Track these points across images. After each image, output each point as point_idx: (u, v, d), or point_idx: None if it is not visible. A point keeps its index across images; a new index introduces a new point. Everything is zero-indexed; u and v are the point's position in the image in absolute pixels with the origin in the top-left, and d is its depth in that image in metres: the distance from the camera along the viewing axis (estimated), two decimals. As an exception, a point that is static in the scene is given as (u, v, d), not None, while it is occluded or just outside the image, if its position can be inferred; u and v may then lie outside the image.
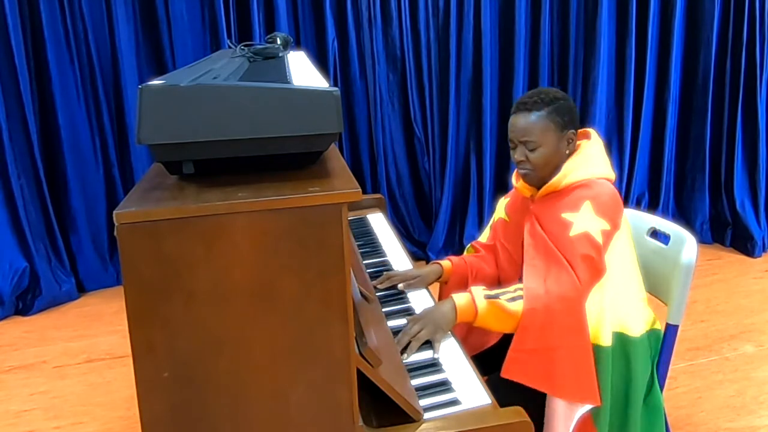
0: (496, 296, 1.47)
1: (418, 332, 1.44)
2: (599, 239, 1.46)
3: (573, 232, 1.47)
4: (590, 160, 1.56)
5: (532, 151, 1.53)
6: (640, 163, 3.82)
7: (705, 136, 3.72)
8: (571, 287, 1.43)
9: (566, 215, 1.50)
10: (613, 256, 1.48)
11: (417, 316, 1.51)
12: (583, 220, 1.48)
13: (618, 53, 3.67)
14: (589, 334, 1.43)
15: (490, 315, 1.46)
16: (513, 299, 1.45)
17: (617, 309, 1.48)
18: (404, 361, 1.38)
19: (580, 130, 1.61)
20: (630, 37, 3.60)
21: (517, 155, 1.56)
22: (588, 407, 1.44)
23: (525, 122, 1.53)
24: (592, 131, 1.63)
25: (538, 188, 1.60)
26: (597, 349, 1.45)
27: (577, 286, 1.43)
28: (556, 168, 1.56)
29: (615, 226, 1.49)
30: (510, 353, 1.43)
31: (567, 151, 1.56)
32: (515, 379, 1.41)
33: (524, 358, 1.42)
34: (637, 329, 1.50)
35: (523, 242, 1.62)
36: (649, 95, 3.73)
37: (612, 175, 1.57)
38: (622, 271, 1.50)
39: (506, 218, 1.76)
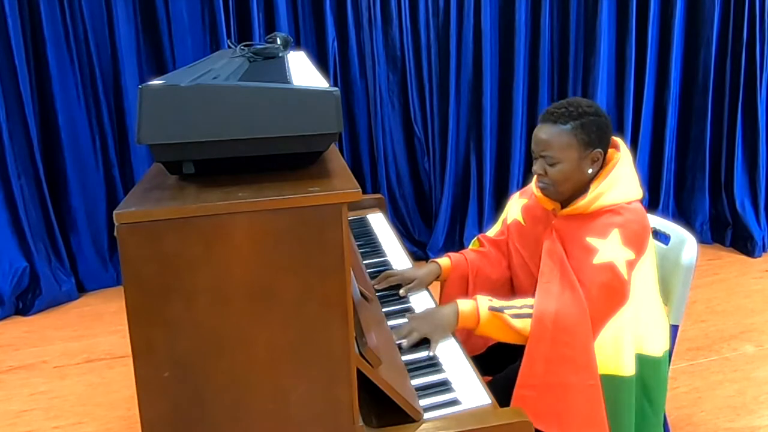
0: (500, 309, 1.44)
1: (417, 327, 1.44)
2: (623, 270, 1.41)
3: (597, 259, 1.42)
4: (620, 181, 1.48)
5: (551, 166, 1.47)
6: (640, 163, 3.82)
7: (705, 136, 3.72)
8: (582, 318, 1.39)
9: (592, 240, 1.44)
10: (636, 282, 1.44)
11: (419, 314, 1.50)
12: (610, 249, 1.42)
13: (618, 53, 3.67)
14: (596, 369, 1.39)
15: (491, 326, 1.45)
16: (518, 315, 1.43)
17: (638, 331, 1.45)
18: (404, 361, 1.38)
19: None
20: (630, 37, 3.59)
21: (536, 167, 1.50)
22: None
23: (547, 135, 1.46)
24: (620, 141, 1.55)
25: (561, 203, 1.55)
26: (619, 381, 1.41)
27: (587, 318, 1.39)
28: (576, 186, 1.49)
29: (640, 254, 1.45)
30: (517, 390, 1.40)
31: (590, 170, 1.48)
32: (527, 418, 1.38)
33: (532, 396, 1.39)
34: (657, 349, 1.47)
35: (539, 254, 1.57)
36: (649, 95, 3.73)
37: (641, 194, 1.50)
38: (644, 295, 1.46)
39: (522, 222, 1.70)
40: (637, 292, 1.44)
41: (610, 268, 1.41)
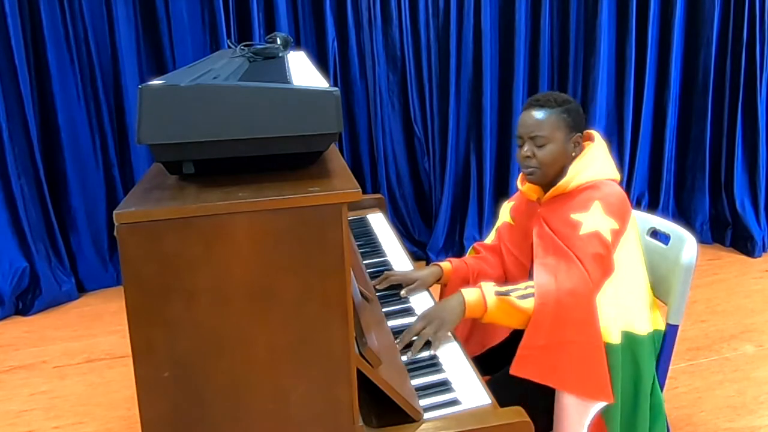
0: (506, 293, 1.46)
1: (423, 328, 1.44)
2: (609, 238, 1.47)
3: (583, 230, 1.48)
4: (596, 161, 1.56)
5: (540, 147, 1.54)
6: (640, 163, 3.82)
7: (705, 136, 3.72)
8: (582, 283, 1.43)
9: (576, 215, 1.50)
10: (621, 256, 1.49)
11: (424, 312, 1.51)
12: (593, 219, 1.48)
13: (618, 53, 3.67)
14: (600, 330, 1.43)
15: (499, 311, 1.46)
16: (524, 296, 1.45)
17: (624, 308, 1.48)
18: (404, 361, 1.38)
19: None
20: (630, 37, 3.60)
21: (524, 151, 1.56)
22: (601, 405, 1.43)
23: (537, 117, 1.54)
24: (594, 133, 1.64)
25: (545, 190, 1.60)
26: (607, 347, 1.44)
27: (587, 282, 1.43)
28: (561, 168, 1.56)
29: (623, 225, 1.50)
30: (520, 350, 1.42)
31: (573, 153, 1.57)
32: (525, 376, 1.40)
33: (535, 354, 1.41)
34: (643, 328, 1.50)
35: (530, 245, 1.62)
36: (649, 95, 3.73)
37: (617, 175, 1.58)
38: (629, 271, 1.50)
39: (511, 222, 1.76)
40: (621, 264, 1.49)
41: (596, 236, 1.47)
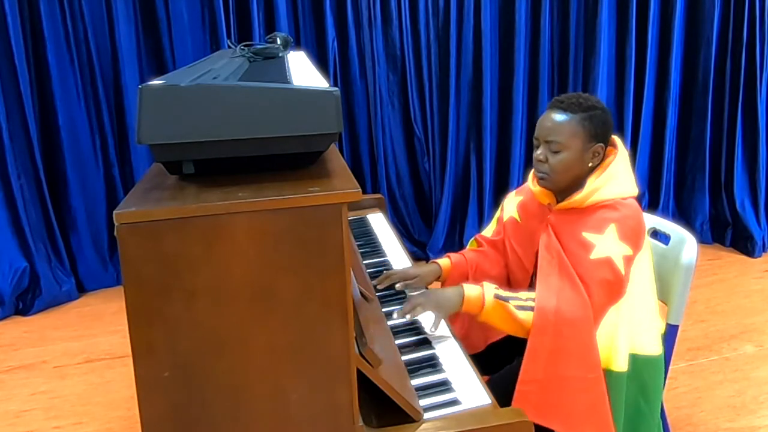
0: (506, 299, 1.45)
1: (422, 303, 1.46)
2: (620, 265, 1.42)
3: (594, 255, 1.43)
4: (617, 177, 1.49)
5: (554, 153, 1.47)
6: (640, 163, 3.82)
7: (705, 136, 3.72)
8: (583, 312, 1.40)
9: (588, 235, 1.45)
10: (633, 277, 1.45)
11: (423, 292, 1.51)
12: (607, 244, 1.43)
13: (618, 53, 3.67)
14: (599, 363, 1.40)
15: (495, 314, 1.45)
16: (522, 308, 1.44)
17: (634, 330, 1.45)
18: (404, 361, 1.38)
19: None
20: (630, 37, 3.60)
21: (537, 154, 1.50)
22: None
23: (554, 122, 1.47)
24: (617, 140, 1.55)
25: (557, 196, 1.56)
26: (609, 375, 1.41)
27: (588, 311, 1.40)
28: (574, 178, 1.50)
29: (637, 250, 1.46)
30: (519, 386, 1.41)
31: (590, 164, 1.50)
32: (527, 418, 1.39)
33: (534, 391, 1.39)
34: (653, 349, 1.48)
35: (535, 251, 1.58)
36: (649, 95, 3.73)
37: (636, 191, 1.51)
38: (640, 292, 1.47)
39: (518, 219, 1.71)
40: (633, 288, 1.45)
41: (607, 264, 1.42)
